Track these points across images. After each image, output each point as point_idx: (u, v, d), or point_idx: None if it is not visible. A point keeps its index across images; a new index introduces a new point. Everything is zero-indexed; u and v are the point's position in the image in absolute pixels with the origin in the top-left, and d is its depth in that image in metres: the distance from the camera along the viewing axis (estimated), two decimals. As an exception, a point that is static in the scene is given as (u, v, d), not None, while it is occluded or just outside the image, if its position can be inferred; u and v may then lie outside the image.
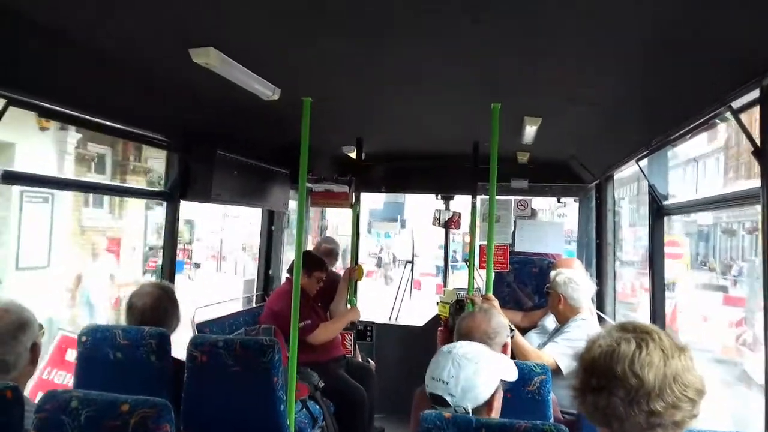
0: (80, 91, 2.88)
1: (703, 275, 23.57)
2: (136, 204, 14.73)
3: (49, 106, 2.83)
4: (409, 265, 8.42)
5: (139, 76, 3.02)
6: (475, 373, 2.02)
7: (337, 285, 4.98)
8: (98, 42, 2.59)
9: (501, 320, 2.89)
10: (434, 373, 2.07)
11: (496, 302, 3.60)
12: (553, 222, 6.75)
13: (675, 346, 1.42)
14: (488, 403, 2.04)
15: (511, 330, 3.08)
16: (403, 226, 32.55)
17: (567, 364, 3.45)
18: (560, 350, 3.56)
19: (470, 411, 1.99)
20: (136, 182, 14.60)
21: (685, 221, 23.55)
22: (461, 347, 2.12)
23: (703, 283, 21.46)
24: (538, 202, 6.52)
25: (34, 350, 2.27)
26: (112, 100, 3.10)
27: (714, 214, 25.94)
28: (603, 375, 1.40)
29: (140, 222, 15.20)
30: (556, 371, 3.40)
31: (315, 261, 4.65)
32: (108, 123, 3.28)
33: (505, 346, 2.86)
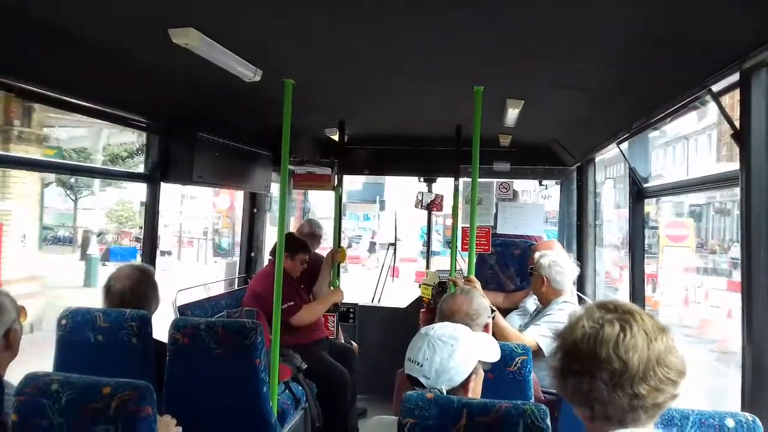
0: (58, 71, 2.83)
1: (701, 258, 22.87)
2: (27, 181, 12.31)
3: (26, 86, 2.77)
4: (391, 249, 8.42)
5: (117, 56, 2.97)
6: (450, 355, 2.01)
7: (320, 267, 4.98)
8: (76, 21, 2.54)
9: (482, 301, 2.92)
10: (410, 355, 2.07)
11: (478, 284, 3.61)
12: (534, 204, 6.78)
13: (657, 326, 1.42)
14: (464, 385, 2.04)
15: (492, 311, 3.10)
16: (382, 207, 32.15)
17: (548, 345, 3.49)
18: (542, 332, 3.59)
19: (445, 392, 1.99)
20: (25, 152, 12.05)
21: (676, 201, 23.11)
22: (438, 329, 2.11)
23: (705, 267, 21.00)
24: (523, 184, 6.55)
25: (8, 336, 2.21)
26: (90, 81, 3.05)
27: (707, 193, 24.34)
28: (586, 359, 1.40)
29: (33, 203, 12.67)
30: (538, 353, 3.44)
31: (298, 243, 4.65)
32: (86, 104, 3.24)
33: (486, 326, 2.89)
